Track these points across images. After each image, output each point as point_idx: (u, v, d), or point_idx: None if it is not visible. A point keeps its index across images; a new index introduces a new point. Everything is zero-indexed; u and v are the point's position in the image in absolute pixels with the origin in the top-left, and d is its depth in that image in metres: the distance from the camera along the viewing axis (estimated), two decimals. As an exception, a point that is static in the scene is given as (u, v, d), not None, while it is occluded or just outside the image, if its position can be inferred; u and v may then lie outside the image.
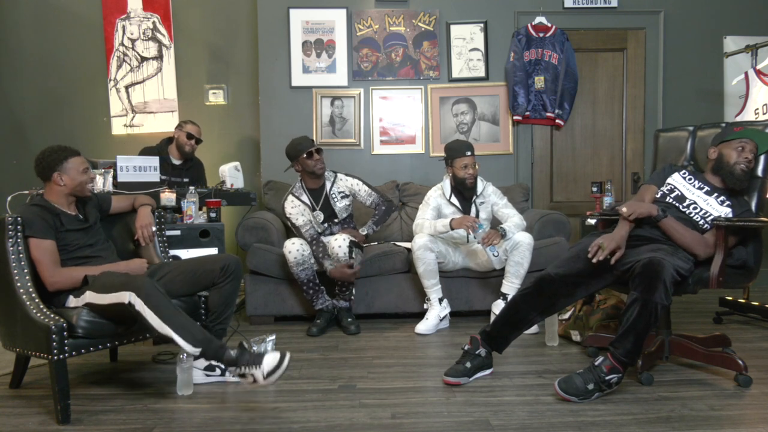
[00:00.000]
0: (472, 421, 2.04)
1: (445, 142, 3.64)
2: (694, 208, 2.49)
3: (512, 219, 3.35)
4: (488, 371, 2.50)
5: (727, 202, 2.46)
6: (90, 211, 2.52)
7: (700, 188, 2.55)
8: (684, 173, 2.64)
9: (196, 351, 2.08)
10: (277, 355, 2.03)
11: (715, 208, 2.47)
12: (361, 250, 3.45)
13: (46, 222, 2.29)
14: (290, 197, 3.43)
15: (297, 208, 3.39)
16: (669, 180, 2.65)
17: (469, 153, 3.35)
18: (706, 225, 2.45)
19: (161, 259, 2.73)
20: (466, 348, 2.49)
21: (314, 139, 4.37)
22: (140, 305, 2.06)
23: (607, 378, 2.17)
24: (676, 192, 2.58)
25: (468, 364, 2.43)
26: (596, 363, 2.21)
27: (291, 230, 3.53)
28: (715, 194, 2.50)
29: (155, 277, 2.48)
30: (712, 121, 3.15)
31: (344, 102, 4.43)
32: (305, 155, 3.31)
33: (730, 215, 2.42)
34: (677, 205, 2.53)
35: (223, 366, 2.13)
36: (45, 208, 2.34)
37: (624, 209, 2.40)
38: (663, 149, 2.98)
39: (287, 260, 3.21)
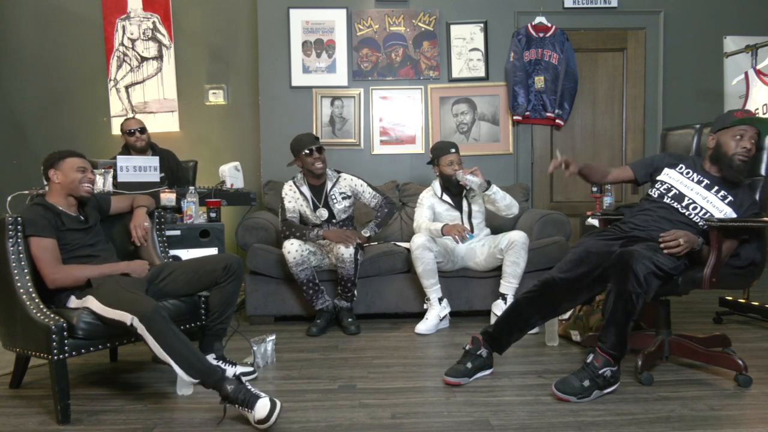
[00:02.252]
0: (472, 421, 2.04)
1: (445, 143, 3.64)
2: (694, 209, 2.43)
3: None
4: (488, 371, 2.50)
5: (729, 198, 2.40)
6: (90, 212, 2.52)
7: (699, 182, 2.47)
8: (681, 168, 2.56)
9: (194, 381, 2.06)
10: (267, 405, 1.96)
11: (716, 206, 2.40)
12: (362, 251, 3.45)
13: (48, 221, 2.30)
14: (291, 183, 3.48)
15: (293, 194, 3.44)
16: (663, 177, 2.57)
17: (453, 150, 3.42)
18: (706, 226, 2.37)
19: (161, 259, 2.73)
20: (467, 348, 2.49)
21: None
22: (142, 330, 2.05)
23: (600, 372, 2.18)
24: (674, 191, 2.50)
25: (469, 365, 2.43)
26: (588, 361, 2.23)
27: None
28: (716, 188, 2.43)
29: (158, 278, 2.48)
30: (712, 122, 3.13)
31: (344, 102, 4.43)
32: (306, 152, 3.32)
33: (732, 214, 2.38)
34: (676, 206, 2.47)
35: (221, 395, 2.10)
36: (46, 208, 2.35)
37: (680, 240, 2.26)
38: (671, 148, 2.93)
39: (286, 260, 3.21)
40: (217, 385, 2.03)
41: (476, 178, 3.24)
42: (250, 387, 2.03)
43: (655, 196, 2.56)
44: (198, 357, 2.09)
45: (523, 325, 2.48)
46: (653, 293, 2.24)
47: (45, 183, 2.48)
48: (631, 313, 2.18)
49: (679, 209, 2.46)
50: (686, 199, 2.46)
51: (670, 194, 2.51)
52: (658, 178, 2.61)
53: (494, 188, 3.29)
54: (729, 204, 2.40)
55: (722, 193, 2.42)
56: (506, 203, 3.33)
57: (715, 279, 2.28)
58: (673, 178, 2.54)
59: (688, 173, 2.53)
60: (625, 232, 2.53)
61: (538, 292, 2.46)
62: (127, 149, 3.81)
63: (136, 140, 3.72)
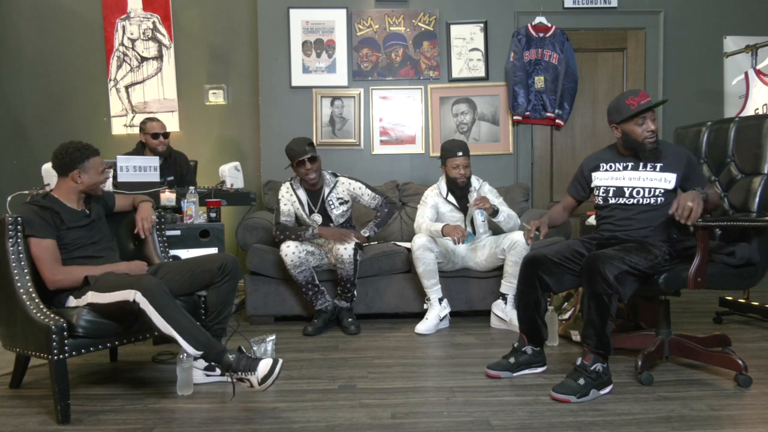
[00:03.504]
0: (472, 421, 2.04)
1: (445, 143, 3.64)
2: (638, 193, 2.47)
3: (507, 210, 3.40)
4: (539, 369, 2.52)
5: (659, 165, 2.46)
6: (94, 207, 2.52)
7: (625, 167, 2.53)
8: (602, 167, 2.61)
9: (198, 353, 2.10)
10: (269, 361, 2.05)
11: (654, 178, 2.45)
12: (361, 251, 3.45)
13: (46, 221, 2.29)
14: (288, 185, 3.46)
15: (290, 197, 3.42)
16: (595, 183, 2.61)
17: (460, 153, 3.37)
18: (661, 199, 2.43)
19: (161, 259, 2.73)
20: (515, 345, 2.54)
21: (314, 139, 4.37)
22: (145, 304, 2.07)
23: (592, 368, 2.21)
24: (612, 189, 2.54)
25: (512, 359, 2.48)
26: (577, 363, 2.26)
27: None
28: (641, 164, 2.50)
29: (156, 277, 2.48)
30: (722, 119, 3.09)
31: (344, 102, 4.43)
32: (296, 163, 3.28)
33: (673, 180, 2.42)
34: (623, 201, 2.51)
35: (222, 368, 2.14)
36: (45, 208, 2.33)
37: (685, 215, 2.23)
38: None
39: (285, 263, 3.21)
40: (218, 356, 2.08)
41: (481, 223, 3.38)
42: (250, 355, 2.06)
43: (602, 203, 2.60)
44: (201, 330, 2.13)
45: (537, 306, 2.49)
46: (630, 292, 2.26)
47: (36, 189, 2.45)
48: (605, 313, 2.21)
49: (628, 202, 2.50)
50: (626, 189, 2.51)
51: (610, 194, 2.55)
52: (592, 186, 2.66)
53: (500, 217, 3.30)
54: (662, 170, 2.45)
55: (650, 165, 2.48)
56: (509, 227, 3.36)
57: (700, 279, 2.27)
58: (602, 179, 2.59)
59: (611, 166, 2.59)
60: (605, 238, 2.56)
61: (527, 269, 2.49)
62: (142, 147, 3.75)
63: (159, 144, 3.67)
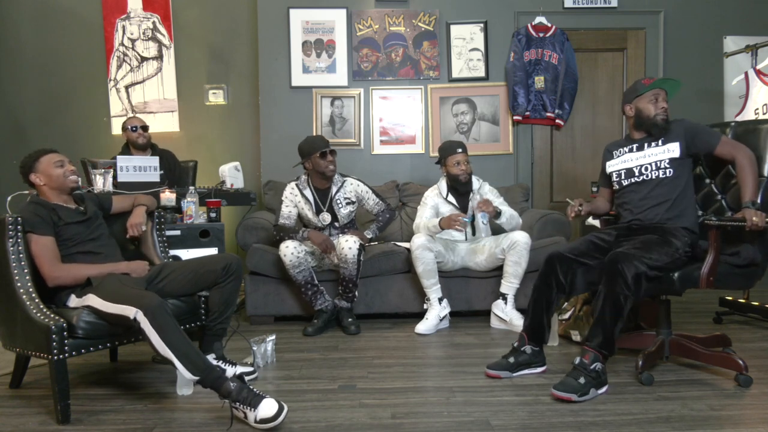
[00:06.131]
0: (472, 421, 2.04)
1: (445, 143, 3.64)
2: (646, 169, 2.57)
3: (508, 210, 3.41)
4: (539, 369, 2.52)
5: (661, 140, 2.56)
6: (89, 205, 2.52)
7: (631, 150, 2.64)
8: (614, 154, 2.71)
9: (195, 378, 2.04)
10: (275, 406, 1.96)
11: (657, 153, 2.55)
12: (363, 251, 3.46)
13: (43, 218, 2.30)
14: (294, 186, 3.44)
15: (294, 198, 3.43)
16: (609, 170, 2.73)
17: (460, 150, 3.41)
18: (669, 171, 2.50)
19: (161, 259, 2.73)
20: (514, 345, 2.54)
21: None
22: (145, 324, 2.03)
23: (591, 367, 2.22)
24: (623, 172, 2.65)
25: (511, 359, 2.49)
26: (576, 362, 2.26)
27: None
28: (646, 144, 2.60)
29: (158, 278, 2.48)
30: (712, 122, 3.12)
31: (344, 102, 4.43)
32: (319, 154, 3.30)
33: (677, 149, 2.50)
34: (635, 180, 2.59)
35: (219, 393, 2.08)
36: (41, 205, 2.36)
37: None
38: None
39: (284, 263, 3.21)
40: (216, 383, 2.03)
41: (483, 227, 3.40)
42: (252, 387, 2.03)
43: (617, 187, 2.70)
44: (199, 354, 2.09)
45: (548, 305, 2.49)
46: (642, 292, 2.27)
47: (33, 189, 2.48)
48: (619, 314, 2.23)
49: (639, 180, 2.59)
50: (635, 168, 2.61)
51: (623, 177, 2.66)
52: (608, 173, 2.77)
53: (503, 218, 3.32)
54: (664, 143, 2.55)
55: (653, 143, 2.59)
56: (511, 227, 3.37)
57: (712, 278, 2.29)
58: (615, 165, 2.71)
59: (620, 152, 2.70)
60: (626, 224, 2.60)
61: (548, 267, 2.51)
62: (128, 148, 3.82)
63: (138, 137, 3.75)
